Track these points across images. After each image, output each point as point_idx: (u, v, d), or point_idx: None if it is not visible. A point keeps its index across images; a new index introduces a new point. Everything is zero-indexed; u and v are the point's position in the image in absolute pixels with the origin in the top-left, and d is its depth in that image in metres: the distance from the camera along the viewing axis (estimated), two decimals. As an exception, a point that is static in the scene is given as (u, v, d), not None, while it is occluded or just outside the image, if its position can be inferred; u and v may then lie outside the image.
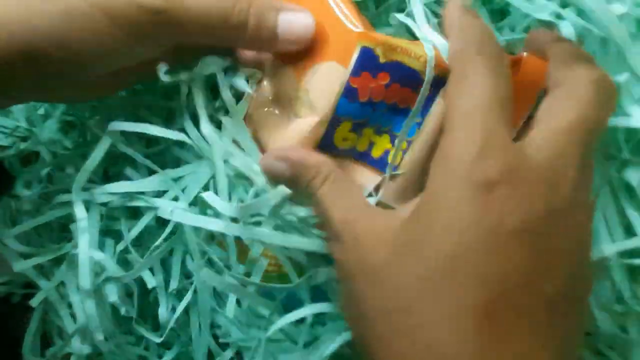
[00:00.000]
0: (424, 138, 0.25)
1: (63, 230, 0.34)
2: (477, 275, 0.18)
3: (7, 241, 0.31)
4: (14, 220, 0.35)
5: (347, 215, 0.22)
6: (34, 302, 0.31)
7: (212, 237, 0.29)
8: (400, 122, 0.25)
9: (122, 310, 0.30)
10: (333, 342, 0.26)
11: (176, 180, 0.29)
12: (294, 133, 0.25)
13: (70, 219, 0.31)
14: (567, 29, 0.27)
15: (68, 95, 0.28)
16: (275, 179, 0.24)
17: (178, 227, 0.29)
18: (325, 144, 0.25)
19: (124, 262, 0.30)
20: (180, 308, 0.30)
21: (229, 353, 0.31)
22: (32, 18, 0.22)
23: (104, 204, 0.29)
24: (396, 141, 0.25)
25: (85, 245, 0.28)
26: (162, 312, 0.31)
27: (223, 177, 0.26)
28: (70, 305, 0.31)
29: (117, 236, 0.31)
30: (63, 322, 0.32)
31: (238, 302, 0.30)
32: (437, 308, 0.19)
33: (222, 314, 0.30)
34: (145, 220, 0.29)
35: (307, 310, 0.26)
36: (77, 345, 0.29)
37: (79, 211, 0.28)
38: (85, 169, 0.28)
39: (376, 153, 0.26)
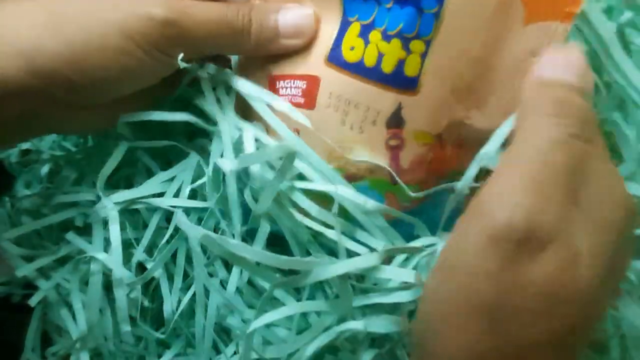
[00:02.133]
0: (447, 38, 0.24)
1: (63, 230, 0.34)
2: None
3: (7, 244, 0.31)
4: (13, 221, 0.35)
5: None
6: (33, 302, 0.31)
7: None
8: (410, 19, 0.24)
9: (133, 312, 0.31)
10: (327, 331, 0.25)
11: (171, 179, 0.29)
12: None
13: (70, 220, 0.31)
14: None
15: (81, 125, 0.28)
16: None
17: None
18: (333, 54, 0.25)
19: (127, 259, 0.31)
20: (185, 301, 0.30)
21: (232, 349, 0.31)
22: (50, 43, 0.23)
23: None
24: (408, 44, 0.24)
25: (119, 255, 0.28)
26: (167, 308, 0.31)
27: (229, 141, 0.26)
28: (69, 305, 0.31)
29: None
30: (63, 322, 0.32)
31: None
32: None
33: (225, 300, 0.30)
34: (153, 225, 0.29)
35: (292, 310, 0.26)
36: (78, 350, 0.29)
37: (112, 219, 0.29)
38: (103, 173, 0.28)
39: (387, 67, 0.24)
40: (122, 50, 0.23)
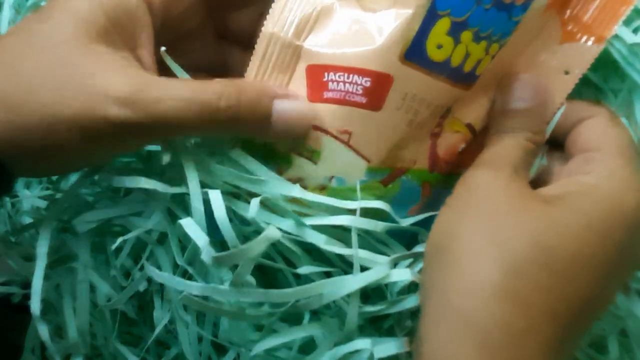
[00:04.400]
0: (510, 45, 0.24)
1: (63, 230, 0.34)
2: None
3: (7, 245, 0.31)
4: (13, 221, 0.35)
5: None
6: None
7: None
8: (502, 24, 0.23)
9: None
10: (329, 350, 0.25)
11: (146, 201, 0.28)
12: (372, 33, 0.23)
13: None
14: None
15: (53, 172, 0.27)
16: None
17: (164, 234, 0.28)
18: (414, 51, 0.22)
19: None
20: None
21: (232, 354, 0.31)
22: (9, 129, 0.21)
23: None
24: (490, 46, 0.23)
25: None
26: (157, 314, 0.31)
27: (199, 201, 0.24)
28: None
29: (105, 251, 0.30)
30: (63, 322, 0.32)
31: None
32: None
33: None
34: (130, 243, 0.29)
35: (293, 335, 0.26)
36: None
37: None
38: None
39: (467, 67, 0.24)
40: (78, 146, 0.21)
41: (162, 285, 0.30)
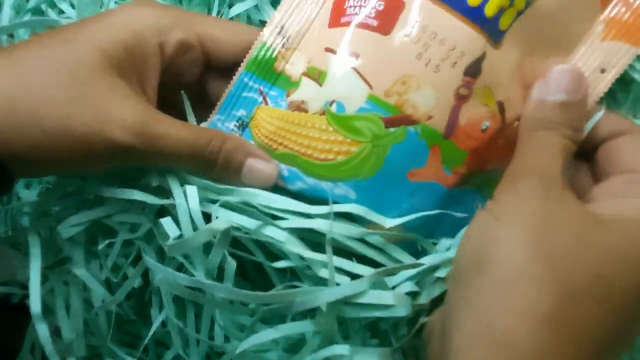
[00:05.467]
0: (541, 9, 0.24)
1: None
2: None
3: (6, 247, 0.31)
4: (13, 221, 0.35)
5: None
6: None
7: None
8: None
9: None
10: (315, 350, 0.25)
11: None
12: None
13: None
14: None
15: (53, 173, 0.28)
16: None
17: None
18: None
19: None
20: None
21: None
22: (4, 129, 0.22)
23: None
24: None
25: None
26: (154, 313, 0.30)
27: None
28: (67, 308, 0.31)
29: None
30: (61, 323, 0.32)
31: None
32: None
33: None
34: (119, 243, 0.29)
35: (280, 332, 0.25)
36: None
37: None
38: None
39: (489, 10, 0.24)
40: (79, 158, 0.23)
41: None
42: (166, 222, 0.25)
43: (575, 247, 0.20)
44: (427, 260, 0.24)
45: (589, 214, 0.21)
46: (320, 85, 0.26)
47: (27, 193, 0.36)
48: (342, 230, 0.24)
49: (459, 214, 0.25)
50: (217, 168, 0.25)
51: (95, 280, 0.28)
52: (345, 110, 0.25)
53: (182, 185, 0.25)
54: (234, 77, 0.27)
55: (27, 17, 0.36)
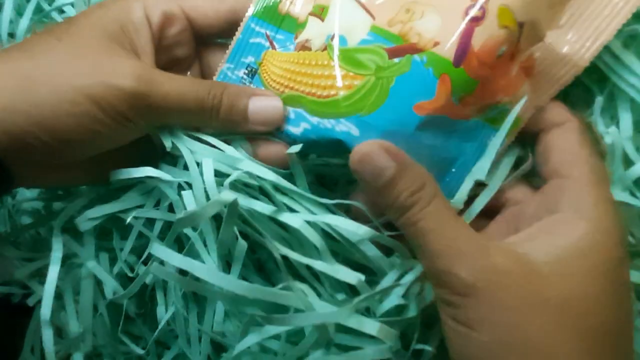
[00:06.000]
0: None
1: (63, 231, 0.34)
2: None
3: (5, 247, 0.31)
4: (13, 221, 0.35)
5: (456, 251, 0.21)
6: (31, 302, 0.31)
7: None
8: None
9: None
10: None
11: (150, 192, 0.29)
12: None
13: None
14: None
15: (57, 182, 0.29)
16: (368, 174, 0.22)
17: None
18: None
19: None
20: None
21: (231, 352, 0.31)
22: (20, 106, 0.23)
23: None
24: None
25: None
26: (161, 310, 0.31)
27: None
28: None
29: (112, 247, 0.30)
30: (61, 323, 0.32)
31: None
32: None
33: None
34: (134, 236, 0.29)
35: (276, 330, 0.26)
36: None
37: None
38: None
39: None
40: (91, 117, 0.24)
41: (165, 282, 0.30)
42: (187, 195, 0.25)
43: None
44: (410, 276, 0.25)
45: (529, 268, 0.21)
46: (323, 20, 0.25)
47: (27, 193, 0.36)
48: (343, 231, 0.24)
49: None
50: (221, 114, 0.26)
51: (107, 274, 0.28)
52: (347, 44, 0.24)
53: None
54: (241, 24, 0.27)
55: (28, 17, 0.36)
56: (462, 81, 0.23)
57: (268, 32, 0.27)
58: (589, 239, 0.21)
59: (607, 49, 0.26)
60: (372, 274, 0.26)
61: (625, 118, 0.27)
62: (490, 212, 0.25)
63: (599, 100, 0.26)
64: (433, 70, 0.23)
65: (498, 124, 0.25)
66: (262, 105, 0.26)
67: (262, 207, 0.25)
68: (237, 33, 0.27)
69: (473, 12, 0.22)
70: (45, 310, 0.27)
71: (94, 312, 0.29)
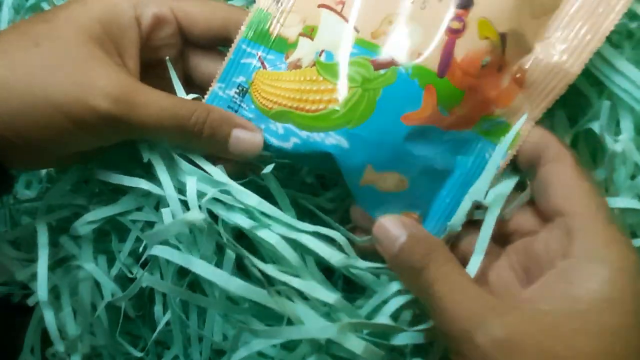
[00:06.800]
0: None
1: (63, 231, 0.34)
2: None
3: (5, 247, 0.31)
4: (14, 221, 0.35)
5: (470, 314, 0.21)
6: (31, 302, 0.31)
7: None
8: None
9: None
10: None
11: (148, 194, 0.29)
12: None
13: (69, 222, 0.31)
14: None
15: (44, 166, 0.29)
16: (383, 242, 0.24)
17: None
18: None
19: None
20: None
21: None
22: (5, 111, 0.23)
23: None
24: None
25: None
26: (158, 310, 0.31)
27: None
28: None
29: (109, 250, 0.30)
30: (60, 323, 0.32)
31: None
32: None
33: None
34: (131, 241, 0.29)
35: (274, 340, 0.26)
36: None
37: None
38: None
39: None
40: (67, 131, 0.23)
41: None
42: (165, 212, 0.25)
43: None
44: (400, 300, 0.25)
45: (549, 329, 0.21)
46: (312, 39, 0.26)
47: (27, 193, 0.36)
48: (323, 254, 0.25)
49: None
50: (202, 139, 0.26)
51: (105, 276, 0.28)
52: (334, 58, 0.25)
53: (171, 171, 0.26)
54: (232, 45, 0.28)
55: (28, 16, 0.36)
56: (448, 91, 0.23)
57: (259, 53, 0.27)
58: (609, 285, 0.21)
59: (597, 54, 0.25)
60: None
61: (627, 122, 0.27)
62: (497, 236, 0.25)
63: (606, 105, 0.25)
64: (418, 81, 0.23)
65: (495, 137, 0.25)
66: (244, 137, 0.26)
67: (243, 221, 0.25)
68: (228, 54, 0.28)
69: (453, 25, 0.23)
70: (42, 291, 0.27)
71: (92, 313, 0.29)
